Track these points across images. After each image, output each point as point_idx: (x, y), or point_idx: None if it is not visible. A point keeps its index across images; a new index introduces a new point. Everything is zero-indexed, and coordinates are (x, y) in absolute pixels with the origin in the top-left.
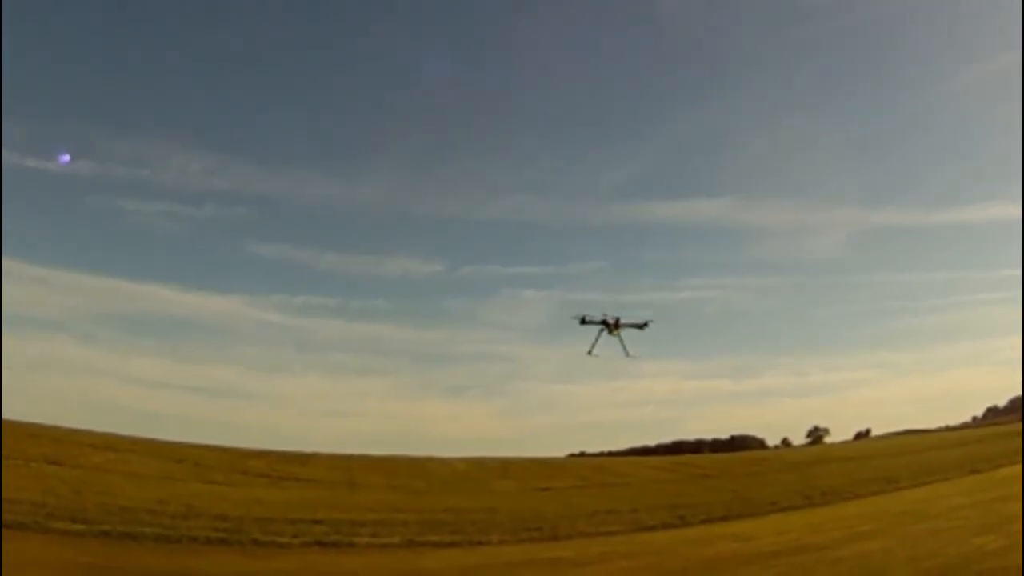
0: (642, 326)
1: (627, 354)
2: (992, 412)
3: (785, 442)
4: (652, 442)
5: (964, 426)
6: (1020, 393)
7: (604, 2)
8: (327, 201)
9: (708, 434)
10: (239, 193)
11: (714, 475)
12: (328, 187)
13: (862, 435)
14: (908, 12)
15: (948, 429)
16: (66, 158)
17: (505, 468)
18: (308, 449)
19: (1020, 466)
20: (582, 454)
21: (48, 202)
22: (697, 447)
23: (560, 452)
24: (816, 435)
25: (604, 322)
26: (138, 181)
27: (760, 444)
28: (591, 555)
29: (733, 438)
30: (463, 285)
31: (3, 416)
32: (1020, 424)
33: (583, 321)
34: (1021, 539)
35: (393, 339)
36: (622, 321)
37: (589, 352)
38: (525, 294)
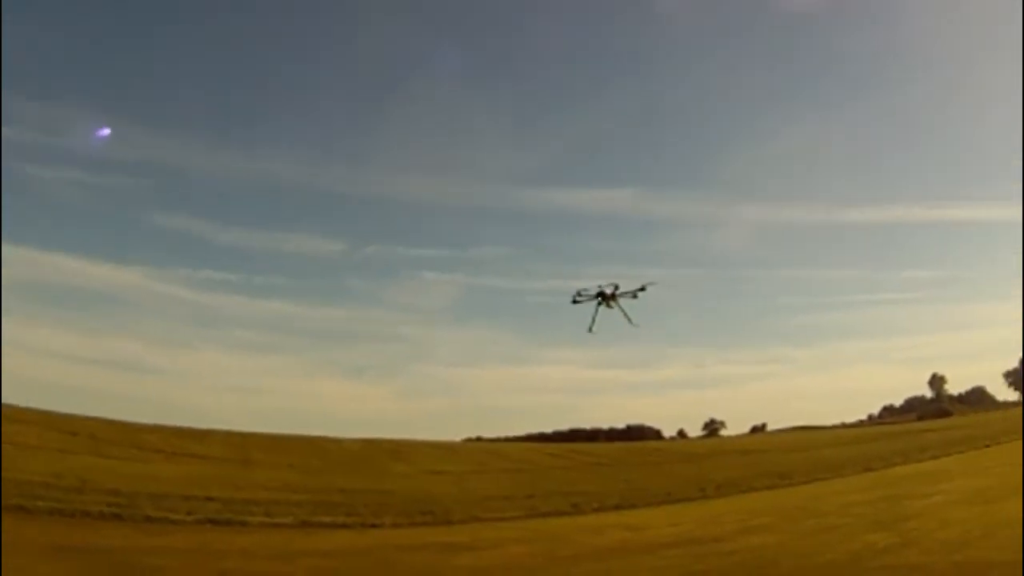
0: (635, 294)
1: (631, 321)
2: (888, 411)
3: (681, 433)
4: (549, 429)
5: (860, 424)
6: (917, 393)
7: None
8: (234, 175)
9: (605, 423)
10: (146, 163)
11: (609, 464)
12: (235, 160)
13: (758, 429)
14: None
15: (844, 426)
16: (105, 131)
17: (401, 450)
18: (204, 425)
19: (914, 465)
20: (479, 439)
21: None
22: (593, 435)
23: (457, 436)
24: (712, 428)
25: (601, 295)
26: (44, 147)
27: (656, 435)
28: (484, 540)
29: (629, 428)
30: (365, 265)
31: None
32: (915, 423)
33: (575, 300)
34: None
35: (294, 317)
36: (619, 290)
37: (590, 330)
38: (427, 276)
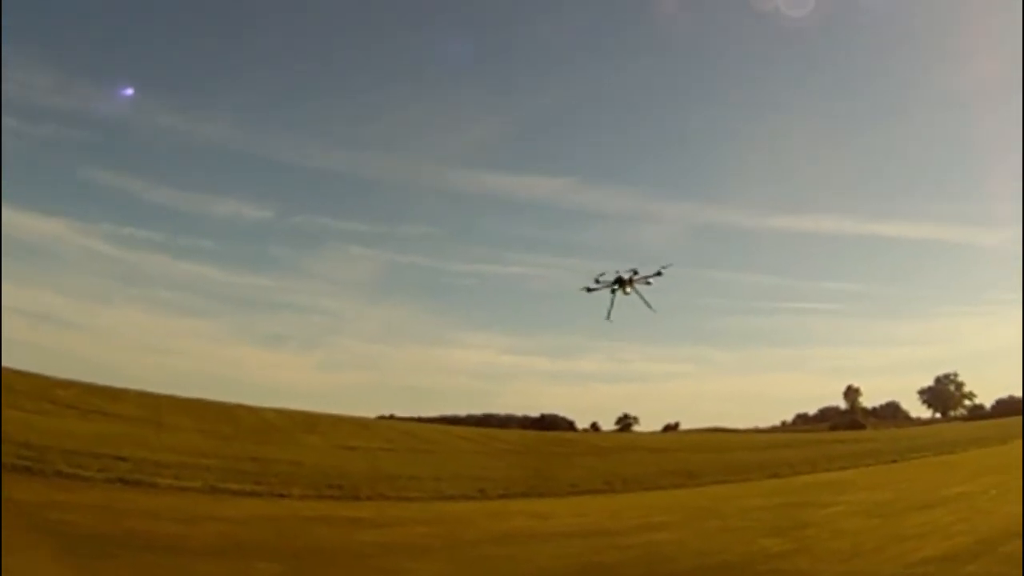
0: (656, 275)
1: (649, 306)
2: (801, 419)
3: (594, 426)
4: (463, 412)
5: (773, 430)
6: (831, 403)
7: None
8: (166, 132)
9: (519, 410)
10: (80, 115)
11: (520, 451)
12: (169, 118)
13: (671, 427)
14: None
15: (757, 431)
16: (129, 91)
17: (314, 423)
18: (119, 384)
19: (820, 475)
20: (392, 417)
21: None
22: (506, 422)
23: (371, 412)
24: (625, 423)
25: (619, 280)
26: None
27: (569, 426)
28: (388, 518)
29: (543, 417)
30: (292, 234)
31: None
32: (827, 433)
33: (590, 290)
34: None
35: (216, 281)
36: (636, 276)
37: (607, 317)
38: (352, 250)
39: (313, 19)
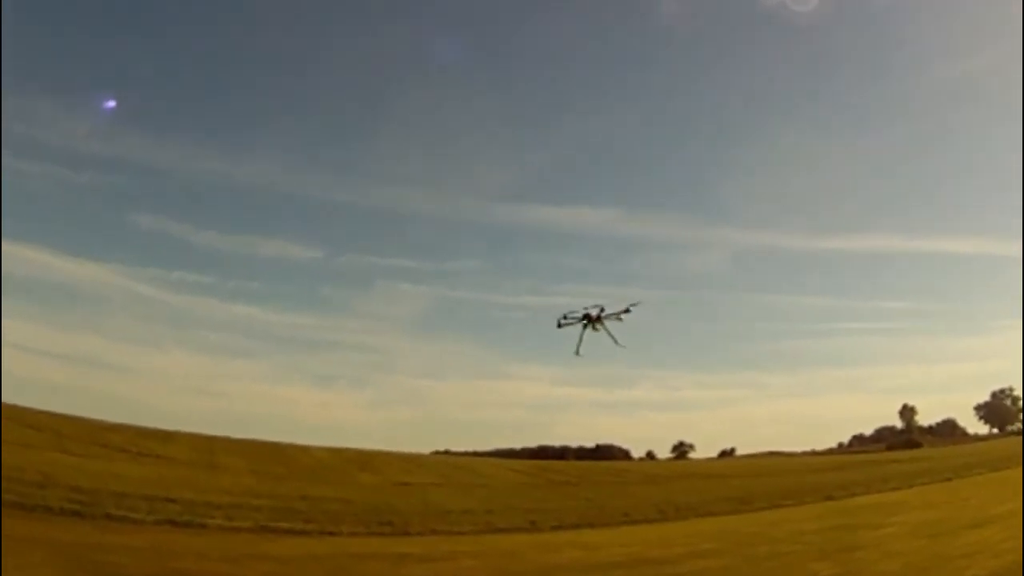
0: (625, 312)
1: (616, 342)
2: (858, 440)
3: (650, 455)
4: (519, 445)
5: (829, 452)
6: (888, 423)
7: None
8: (211, 177)
9: (574, 441)
10: (123, 161)
11: (574, 483)
12: (213, 163)
13: (727, 453)
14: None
15: (813, 454)
16: (112, 103)
17: (367, 460)
18: (170, 427)
19: (874, 496)
20: (447, 452)
21: None
22: (562, 453)
23: (425, 448)
24: (681, 450)
25: (587, 316)
26: (23, 140)
27: (625, 455)
28: (438, 552)
29: (598, 447)
30: (340, 273)
31: None
32: (883, 453)
33: (560, 324)
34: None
35: (265, 322)
36: (604, 312)
37: (576, 352)
38: (401, 287)
39: (354, 60)
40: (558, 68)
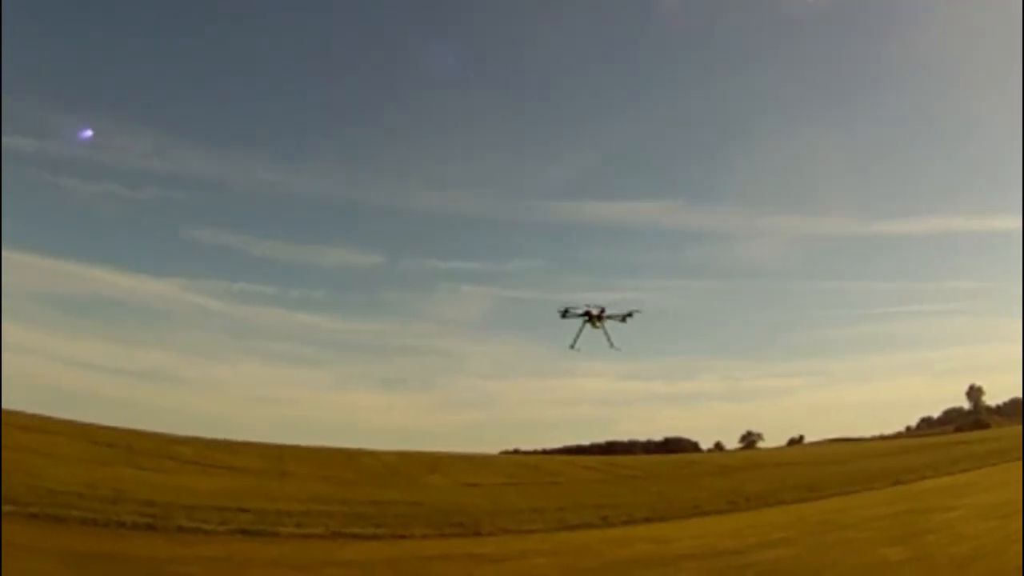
0: (624, 318)
1: (611, 345)
2: (926, 423)
3: (718, 446)
4: (586, 441)
5: (897, 436)
6: (955, 405)
7: None
8: (269, 187)
9: (642, 435)
10: (180, 176)
11: (643, 477)
12: (270, 173)
13: (795, 441)
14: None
15: (882, 438)
16: (88, 133)
17: (435, 463)
18: (239, 437)
19: (943, 479)
20: (515, 451)
21: None
22: (630, 448)
23: (493, 449)
24: (749, 440)
25: (587, 314)
26: (79, 160)
27: (694, 447)
28: (509, 551)
29: (667, 440)
30: (402, 277)
31: None
32: (951, 435)
33: (564, 314)
34: (928, 552)
35: (330, 329)
36: (605, 313)
37: (572, 346)
38: (463, 289)
39: (403, 66)
40: (604, 65)
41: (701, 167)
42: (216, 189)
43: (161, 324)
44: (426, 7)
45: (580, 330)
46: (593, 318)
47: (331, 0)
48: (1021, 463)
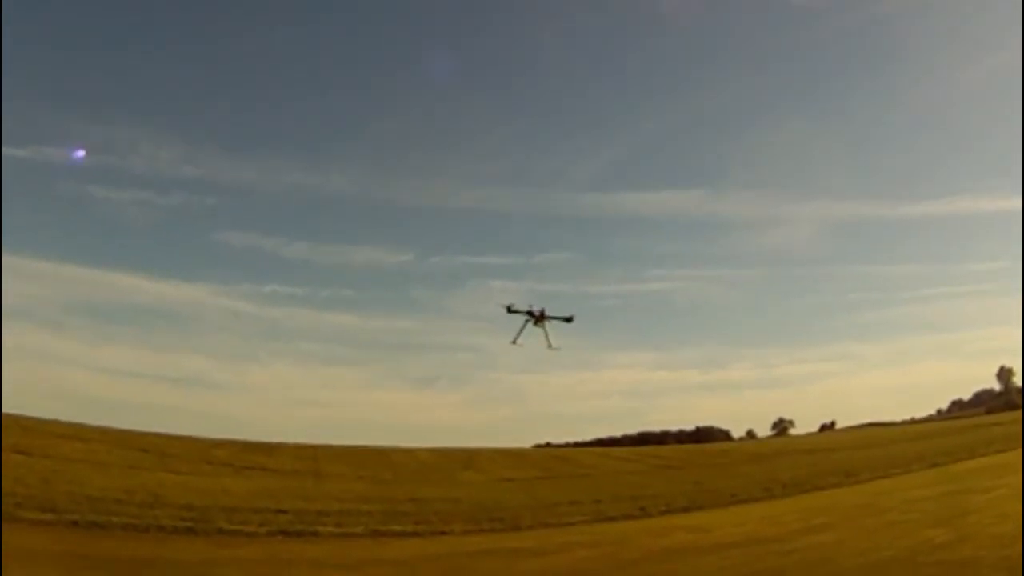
0: (568, 320)
1: (550, 345)
2: (957, 405)
3: (750, 434)
4: (618, 433)
5: (929, 419)
6: (986, 386)
7: None
8: (296, 189)
9: (674, 425)
10: (208, 181)
11: (678, 466)
12: (297, 175)
13: (827, 427)
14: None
15: (913, 422)
16: (80, 153)
17: (471, 458)
18: (274, 439)
19: (979, 460)
20: (547, 445)
21: (16, 188)
22: (662, 438)
23: (526, 443)
24: (781, 427)
25: (530, 313)
26: (107, 168)
27: (725, 436)
28: (551, 545)
29: (699, 429)
30: (432, 275)
31: None
32: (983, 417)
33: (509, 310)
34: (971, 532)
35: (361, 329)
36: (547, 313)
37: (514, 342)
38: (494, 284)
39: (429, 66)
40: (628, 56)
41: (727, 156)
42: (244, 193)
43: (193, 329)
44: (453, 5)
45: (523, 327)
46: (535, 318)
47: (355, 2)
48: None
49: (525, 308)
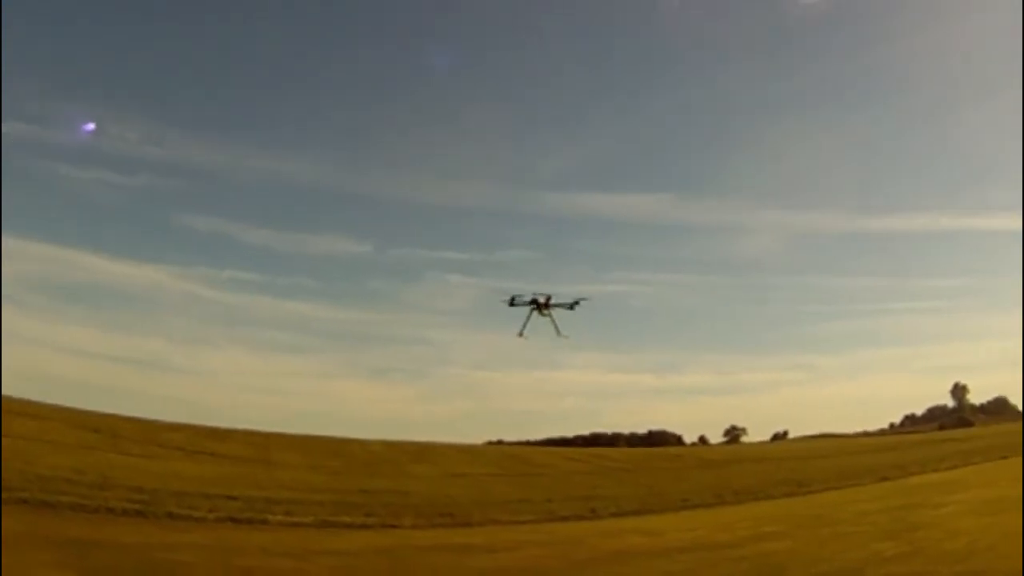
0: (572, 306)
1: (558, 333)
2: (910, 420)
3: (702, 440)
4: (571, 433)
5: (882, 432)
6: (939, 402)
7: None
8: (260, 176)
9: (627, 428)
10: (174, 164)
11: (630, 469)
12: (262, 161)
13: (779, 436)
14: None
15: (866, 435)
16: (90, 126)
17: (422, 452)
18: (227, 424)
19: (931, 475)
20: (500, 442)
21: None
22: (614, 441)
23: (479, 439)
24: (733, 434)
25: (534, 301)
26: (75, 147)
27: (677, 440)
28: (501, 542)
29: (651, 433)
30: (391, 267)
31: None
32: (936, 433)
33: (512, 303)
34: (922, 547)
35: (319, 318)
36: (552, 301)
37: (520, 334)
38: (452, 279)
39: (396, 57)
40: (602, 57)
41: (693, 162)
42: (208, 177)
43: (151, 311)
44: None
45: (528, 317)
46: (540, 306)
47: None
48: (1016, 461)
49: (528, 298)
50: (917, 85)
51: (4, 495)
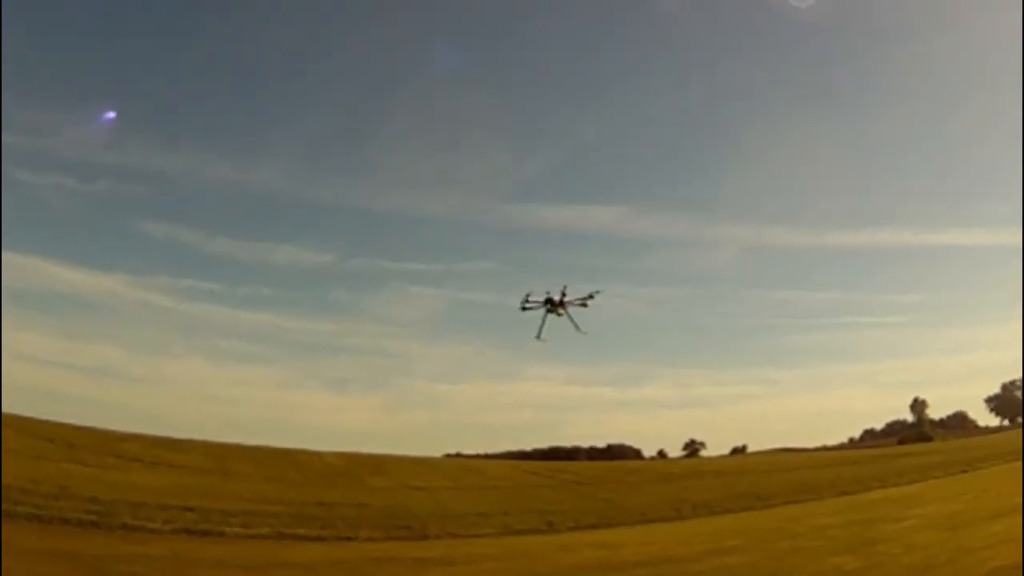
0: (585, 302)
1: (578, 328)
2: (869, 435)
3: (661, 453)
4: (529, 447)
5: (841, 447)
6: (899, 417)
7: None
8: (220, 184)
9: (586, 441)
10: (135, 171)
11: (587, 483)
12: (222, 169)
13: (738, 450)
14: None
15: (825, 449)
16: (111, 115)
17: (380, 464)
18: (183, 435)
19: (890, 490)
20: (458, 455)
21: None
22: (573, 454)
23: (437, 451)
24: (692, 448)
25: (549, 301)
26: (32, 151)
27: (636, 454)
28: (458, 556)
29: (610, 447)
30: (352, 277)
31: None
32: (895, 447)
33: (524, 306)
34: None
35: (277, 328)
36: (566, 296)
37: (537, 337)
38: (413, 290)
39: (360, 65)
40: (562, 68)
41: (656, 174)
42: (168, 183)
43: (107, 319)
44: (384, 5)
45: (544, 319)
46: (556, 305)
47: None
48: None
49: (542, 298)
50: (880, 103)
51: None
